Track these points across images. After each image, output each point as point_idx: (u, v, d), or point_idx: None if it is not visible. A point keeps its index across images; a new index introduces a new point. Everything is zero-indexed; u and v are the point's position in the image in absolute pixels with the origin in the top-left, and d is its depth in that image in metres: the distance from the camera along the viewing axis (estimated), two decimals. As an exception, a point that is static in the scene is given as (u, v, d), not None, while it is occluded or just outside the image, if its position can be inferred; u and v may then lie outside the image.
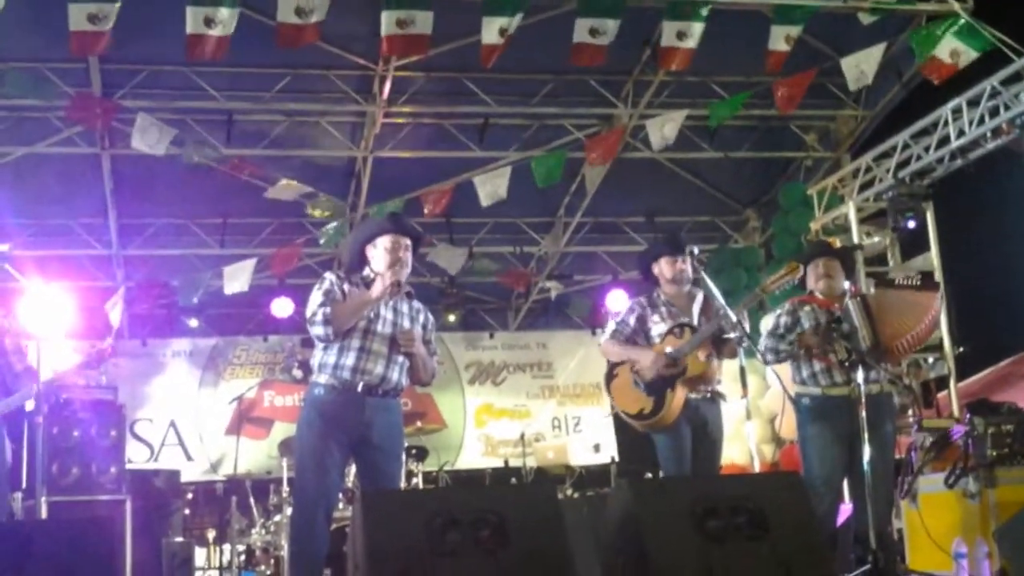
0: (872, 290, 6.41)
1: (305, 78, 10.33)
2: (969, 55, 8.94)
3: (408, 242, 5.50)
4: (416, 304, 5.62)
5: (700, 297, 6.29)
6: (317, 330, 5.33)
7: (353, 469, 7.87)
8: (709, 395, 6.14)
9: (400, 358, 5.40)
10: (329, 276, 5.51)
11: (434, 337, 5.65)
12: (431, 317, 5.69)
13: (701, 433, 6.11)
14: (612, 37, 8.76)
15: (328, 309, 5.32)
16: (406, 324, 5.45)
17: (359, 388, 5.31)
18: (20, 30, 8.76)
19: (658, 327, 6.19)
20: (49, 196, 11.26)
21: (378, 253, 5.48)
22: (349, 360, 5.33)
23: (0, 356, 5.28)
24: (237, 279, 11.45)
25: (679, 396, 6.08)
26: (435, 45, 9.22)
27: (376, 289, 5.29)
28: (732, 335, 5.91)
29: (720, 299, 6.22)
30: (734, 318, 5.97)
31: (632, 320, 6.29)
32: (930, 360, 9.89)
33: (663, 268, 6.31)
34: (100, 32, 7.93)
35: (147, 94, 10.05)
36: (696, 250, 6.32)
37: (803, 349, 6.04)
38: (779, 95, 9.61)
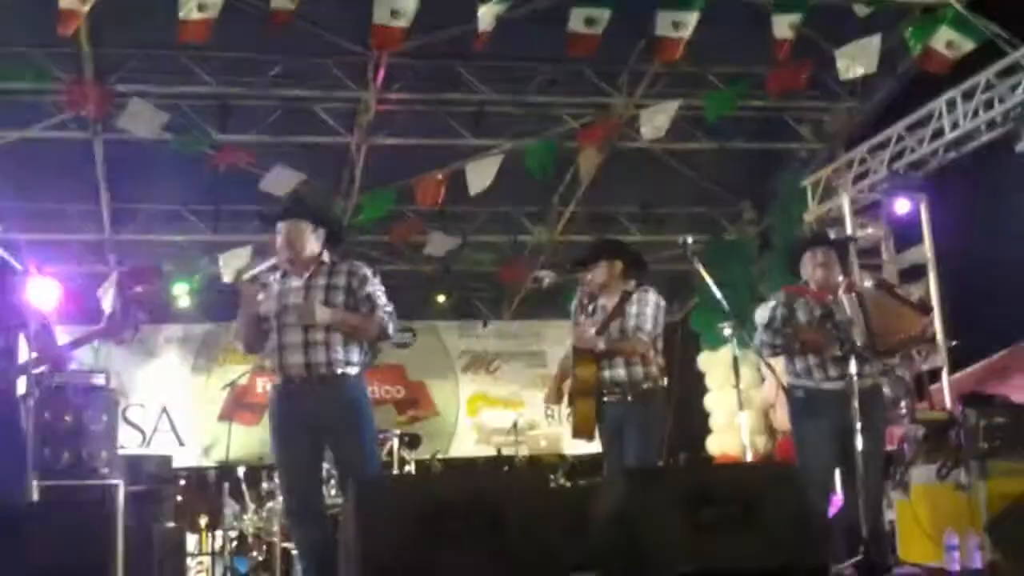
0: (868, 285, 6.40)
1: (299, 64, 10.28)
2: (965, 46, 8.89)
3: (296, 223, 5.40)
4: (340, 267, 5.45)
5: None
6: (238, 347, 5.67)
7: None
8: (629, 396, 6.20)
9: (321, 336, 5.27)
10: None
11: (375, 288, 5.42)
12: (361, 271, 5.45)
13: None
14: (604, 26, 8.71)
15: (234, 328, 5.51)
16: (318, 298, 5.32)
17: (295, 382, 5.31)
18: (12, 13, 8.72)
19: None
20: (41, 181, 11.23)
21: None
22: (274, 360, 5.37)
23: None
24: (234, 266, 11.37)
25: (579, 409, 6.23)
26: (429, 31, 9.20)
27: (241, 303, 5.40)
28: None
29: (716, 291, 6.24)
30: (726, 307, 6.00)
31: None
32: (923, 353, 9.89)
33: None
34: (84, 8, 7.88)
35: (140, 78, 10.00)
36: (690, 240, 6.34)
37: (799, 344, 6.02)
38: (774, 84, 9.57)
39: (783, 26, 8.81)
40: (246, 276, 5.32)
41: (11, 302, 5.09)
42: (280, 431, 5.39)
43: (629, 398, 6.16)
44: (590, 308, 6.34)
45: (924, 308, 6.15)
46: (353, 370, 5.38)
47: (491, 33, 8.52)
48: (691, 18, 8.73)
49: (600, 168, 11.67)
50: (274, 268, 5.52)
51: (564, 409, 6.75)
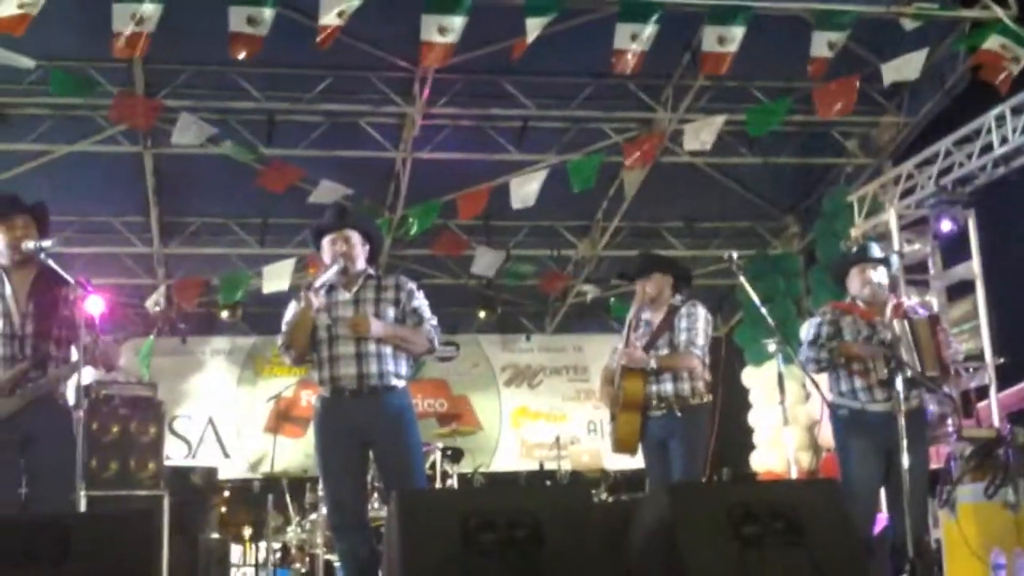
0: (920, 312, 6.30)
1: (345, 79, 10.36)
2: (1019, 54, 8.75)
3: (349, 234, 5.45)
4: (387, 282, 5.51)
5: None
6: (284, 359, 5.56)
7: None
8: (677, 411, 6.15)
9: (373, 348, 5.32)
10: (295, 299, 5.47)
11: (420, 301, 5.49)
12: (408, 285, 5.52)
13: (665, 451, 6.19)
14: (650, 42, 8.70)
15: (283, 337, 5.44)
16: (369, 311, 5.36)
17: (345, 394, 5.33)
18: (65, 29, 8.85)
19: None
20: (92, 194, 11.40)
21: (324, 254, 5.52)
22: (325, 372, 5.37)
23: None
24: (277, 279, 11.47)
25: (623, 423, 6.17)
26: (474, 48, 9.24)
27: (294, 306, 5.39)
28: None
29: (760, 306, 6.20)
30: (771, 322, 5.96)
31: None
32: (970, 370, 9.80)
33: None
34: (141, 33, 7.98)
35: (189, 94, 10.13)
36: (735, 255, 6.30)
37: (844, 359, 5.97)
38: (821, 102, 9.51)
39: (822, 44, 8.78)
40: (317, 283, 5.33)
41: (63, 313, 5.18)
42: (326, 442, 5.41)
43: (678, 413, 6.12)
44: (634, 323, 6.32)
45: (946, 370, 6.04)
46: (401, 383, 5.43)
47: (535, 48, 8.55)
48: (737, 32, 8.71)
49: (644, 182, 11.65)
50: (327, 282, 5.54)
51: (608, 422, 6.71)
